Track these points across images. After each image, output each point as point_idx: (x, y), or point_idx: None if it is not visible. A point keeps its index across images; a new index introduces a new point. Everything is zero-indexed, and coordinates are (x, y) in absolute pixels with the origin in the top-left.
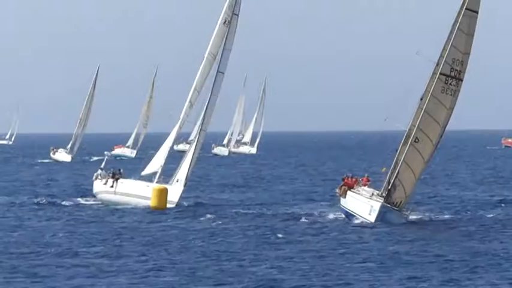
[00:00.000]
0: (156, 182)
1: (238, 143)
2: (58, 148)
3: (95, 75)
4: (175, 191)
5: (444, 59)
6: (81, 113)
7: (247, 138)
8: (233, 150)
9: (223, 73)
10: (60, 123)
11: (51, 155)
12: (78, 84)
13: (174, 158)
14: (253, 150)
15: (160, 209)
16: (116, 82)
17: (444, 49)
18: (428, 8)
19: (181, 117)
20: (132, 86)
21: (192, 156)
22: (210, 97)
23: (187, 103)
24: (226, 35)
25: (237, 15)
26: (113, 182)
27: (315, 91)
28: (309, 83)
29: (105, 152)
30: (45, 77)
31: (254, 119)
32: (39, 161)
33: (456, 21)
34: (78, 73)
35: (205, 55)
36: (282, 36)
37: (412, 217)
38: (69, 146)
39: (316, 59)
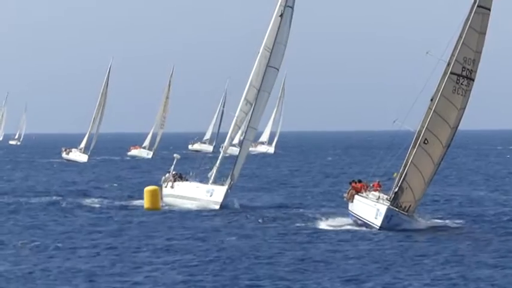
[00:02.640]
0: (211, 183)
1: (256, 142)
2: (71, 148)
3: (107, 72)
4: (219, 192)
5: (455, 58)
6: (94, 111)
7: (264, 137)
8: (250, 149)
9: (274, 68)
10: (61, 123)
11: (64, 155)
12: (83, 83)
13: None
14: (271, 149)
15: (153, 210)
16: (131, 81)
17: (456, 48)
18: (439, 5)
19: (236, 115)
20: (148, 85)
21: (239, 155)
22: (258, 93)
23: (242, 100)
24: (278, 28)
25: (291, 7)
26: (172, 184)
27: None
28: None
29: (174, 155)
30: (48, 75)
31: (272, 119)
32: (52, 160)
33: (468, 18)
34: (86, 71)
35: (261, 50)
36: (300, 36)
37: (424, 223)
38: (83, 145)
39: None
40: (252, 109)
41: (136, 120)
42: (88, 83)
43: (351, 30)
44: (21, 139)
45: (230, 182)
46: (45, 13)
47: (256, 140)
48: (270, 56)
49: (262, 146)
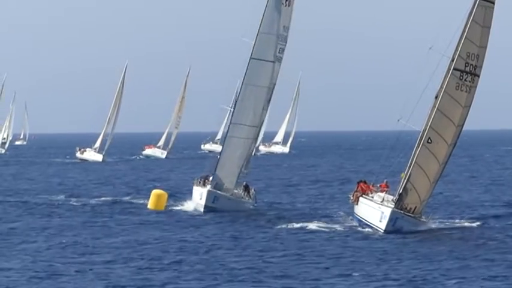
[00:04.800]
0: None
1: (270, 142)
2: (85, 148)
3: (123, 72)
4: (204, 194)
5: (458, 53)
6: (109, 112)
7: (279, 137)
8: (264, 149)
9: (259, 60)
10: (60, 123)
11: (78, 154)
12: (83, 84)
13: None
14: (285, 149)
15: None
16: (146, 81)
17: (458, 43)
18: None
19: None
20: (163, 85)
21: (222, 154)
22: (241, 87)
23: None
24: (262, 18)
25: None
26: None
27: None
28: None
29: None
30: (48, 74)
31: (287, 119)
32: (67, 160)
33: (471, 12)
34: (86, 71)
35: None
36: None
37: (433, 225)
38: (97, 145)
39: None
40: (234, 104)
41: (144, 120)
42: (87, 84)
43: (350, 30)
44: (26, 139)
45: (214, 183)
46: (46, 13)
47: (269, 140)
48: (253, 47)
49: (277, 146)
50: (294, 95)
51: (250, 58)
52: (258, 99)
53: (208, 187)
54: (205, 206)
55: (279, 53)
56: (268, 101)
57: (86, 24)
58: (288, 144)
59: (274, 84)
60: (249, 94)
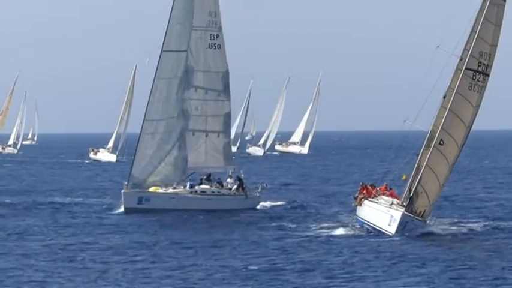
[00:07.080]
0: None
1: (287, 142)
2: (98, 148)
3: (133, 70)
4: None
5: (470, 52)
6: (121, 111)
7: (297, 137)
8: (281, 149)
9: (170, 51)
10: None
11: (91, 155)
12: (82, 83)
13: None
14: (304, 150)
15: None
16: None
17: (469, 41)
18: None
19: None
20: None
21: (137, 153)
22: (154, 79)
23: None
24: (171, 10)
25: None
26: None
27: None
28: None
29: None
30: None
31: (306, 118)
32: (80, 161)
33: (481, 10)
34: (84, 71)
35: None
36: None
37: (438, 228)
38: (111, 145)
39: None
40: (148, 99)
41: None
42: (85, 83)
43: (354, 31)
44: (35, 138)
45: (130, 184)
46: (53, 13)
47: (286, 140)
48: (164, 40)
49: (295, 146)
50: (314, 94)
51: (162, 51)
52: (170, 90)
53: (124, 189)
54: (125, 208)
55: (211, 39)
56: (223, 91)
57: (91, 24)
58: (307, 145)
59: (225, 71)
60: (161, 87)
